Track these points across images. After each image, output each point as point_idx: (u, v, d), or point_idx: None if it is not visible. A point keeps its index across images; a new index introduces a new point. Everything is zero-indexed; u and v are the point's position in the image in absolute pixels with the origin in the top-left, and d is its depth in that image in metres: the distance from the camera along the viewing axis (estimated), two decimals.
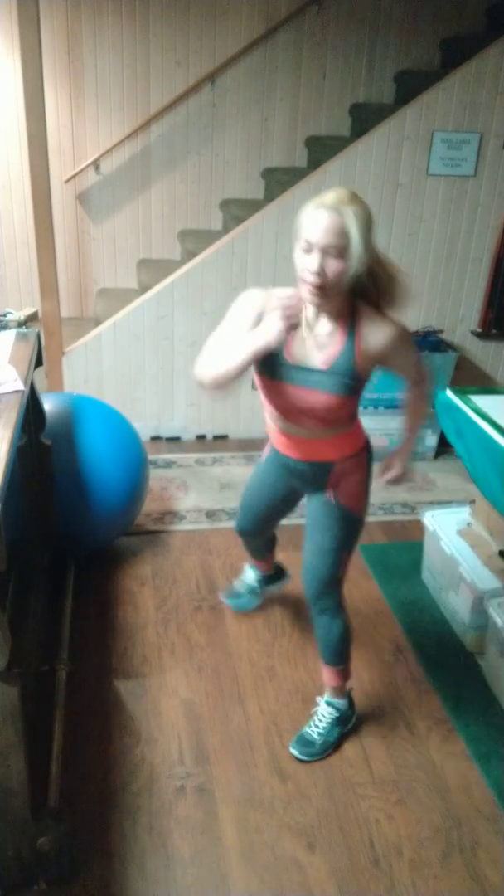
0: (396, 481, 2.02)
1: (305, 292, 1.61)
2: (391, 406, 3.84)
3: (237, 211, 4.24)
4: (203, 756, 2.07)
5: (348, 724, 2.18)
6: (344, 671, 2.12)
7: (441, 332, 3.98)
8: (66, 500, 2.56)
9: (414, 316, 4.00)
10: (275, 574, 2.62)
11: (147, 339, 3.78)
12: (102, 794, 1.93)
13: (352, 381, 1.71)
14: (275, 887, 1.74)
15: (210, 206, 4.70)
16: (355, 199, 1.57)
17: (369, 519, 3.32)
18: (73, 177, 4.57)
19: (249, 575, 2.60)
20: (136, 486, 2.76)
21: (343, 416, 1.80)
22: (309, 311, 1.71)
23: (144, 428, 3.86)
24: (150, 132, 4.52)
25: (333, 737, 2.12)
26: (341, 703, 2.14)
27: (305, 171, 4.16)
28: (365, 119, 4.13)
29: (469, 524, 2.71)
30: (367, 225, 1.56)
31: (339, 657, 2.08)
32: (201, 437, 4.05)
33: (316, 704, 2.18)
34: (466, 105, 3.58)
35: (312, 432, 1.84)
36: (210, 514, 3.28)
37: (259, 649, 2.47)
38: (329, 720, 2.12)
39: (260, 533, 2.36)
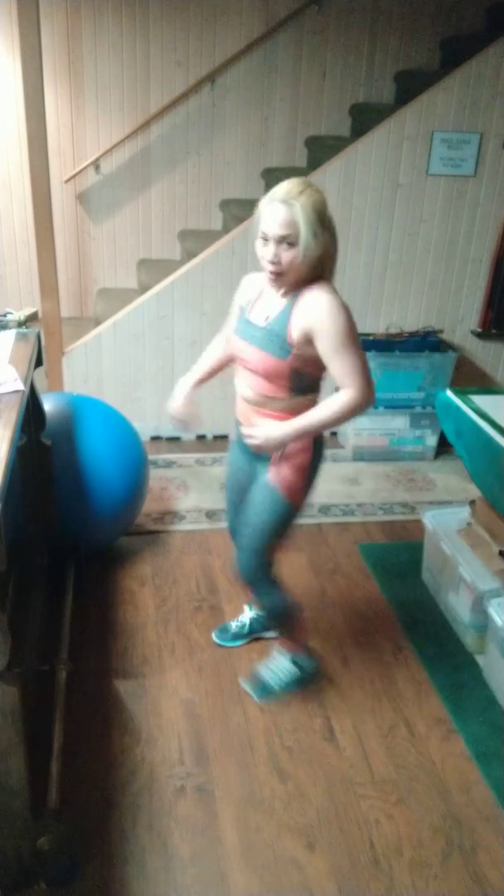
0: (250, 438, 1.93)
1: (267, 277, 1.79)
2: (391, 406, 3.84)
3: (237, 211, 4.24)
4: (203, 756, 2.07)
5: (302, 682, 2.31)
6: (286, 641, 2.27)
7: (441, 332, 3.98)
8: (66, 500, 2.56)
9: (414, 316, 4.01)
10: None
11: (147, 339, 3.78)
12: (102, 794, 1.94)
13: (284, 342, 1.79)
14: (275, 887, 1.74)
15: (210, 206, 4.70)
16: (306, 189, 1.69)
17: (370, 518, 3.33)
18: (73, 177, 4.57)
19: (245, 615, 2.54)
20: (136, 486, 2.76)
21: (281, 383, 1.85)
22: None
23: (144, 428, 3.86)
24: (150, 132, 4.52)
25: (288, 686, 2.28)
26: (303, 662, 2.30)
27: (305, 171, 4.16)
28: (365, 119, 4.12)
29: (469, 524, 2.71)
30: (318, 212, 1.69)
31: (284, 625, 2.23)
32: (201, 437, 4.05)
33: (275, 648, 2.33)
34: (466, 105, 3.58)
35: (259, 397, 1.90)
36: (210, 514, 3.28)
37: (259, 649, 2.47)
38: (285, 671, 2.29)
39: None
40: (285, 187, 1.70)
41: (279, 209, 1.68)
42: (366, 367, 1.80)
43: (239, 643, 2.50)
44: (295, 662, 2.30)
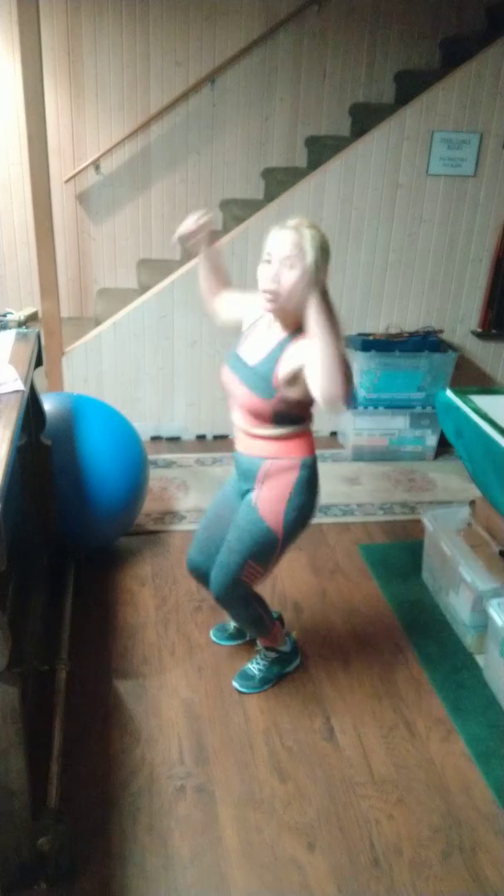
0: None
1: (262, 300, 1.78)
2: (391, 406, 3.84)
3: (237, 211, 4.24)
4: (203, 756, 2.08)
5: (290, 665, 2.38)
6: (268, 639, 2.28)
7: (441, 332, 3.98)
8: (66, 500, 2.56)
9: (414, 316, 4.01)
10: None
11: (147, 339, 3.78)
12: (102, 794, 1.93)
13: (269, 385, 1.82)
14: (275, 887, 1.74)
15: (210, 206, 4.70)
16: (315, 226, 1.75)
17: (370, 518, 3.33)
18: (73, 177, 4.57)
19: None
20: (136, 486, 2.76)
21: (265, 418, 1.88)
22: (270, 318, 1.87)
23: (144, 428, 3.86)
24: (150, 132, 4.52)
25: (273, 674, 2.33)
26: (280, 647, 2.32)
27: (305, 171, 4.16)
28: (365, 119, 4.13)
29: (469, 524, 2.71)
30: (323, 249, 1.73)
31: (258, 632, 2.25)
32: (201, 437, 4.05)
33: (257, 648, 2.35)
34: (466, 105, 3.58)
35: (246, 425, 1.94)
36: None
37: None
38: (268, 660, 2.32)
39: (206, 566, 2.17)
40: (296, 219, 1.76)
41: (288, 234, 1.72)
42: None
43: (236, 642, 2.50)
44: (272, 649, 2.32)
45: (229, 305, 2.06)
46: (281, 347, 1.82)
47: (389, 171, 3.67)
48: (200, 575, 2.23)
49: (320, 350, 1.68)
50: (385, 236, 3.80)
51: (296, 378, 1.78)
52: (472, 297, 4.01)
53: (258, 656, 2.34)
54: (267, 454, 1.94)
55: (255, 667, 2.33)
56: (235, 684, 2.31)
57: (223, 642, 2.50)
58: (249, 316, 1.98)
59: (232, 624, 2.53)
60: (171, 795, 1.95)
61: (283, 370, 1.80)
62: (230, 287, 2.09)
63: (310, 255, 1.70)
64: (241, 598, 2.10)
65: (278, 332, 1.85)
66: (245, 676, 2.32)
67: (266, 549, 2.00)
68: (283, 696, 2.30)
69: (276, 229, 1.76)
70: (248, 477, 2.01)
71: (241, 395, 1.89)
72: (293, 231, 1.72)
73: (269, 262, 1.74)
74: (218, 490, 2.25)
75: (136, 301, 3.75)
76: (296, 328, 1.81)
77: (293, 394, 1.82)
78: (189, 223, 1.96)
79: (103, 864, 1.76)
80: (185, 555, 2.94)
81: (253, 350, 1.89)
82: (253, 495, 1.99)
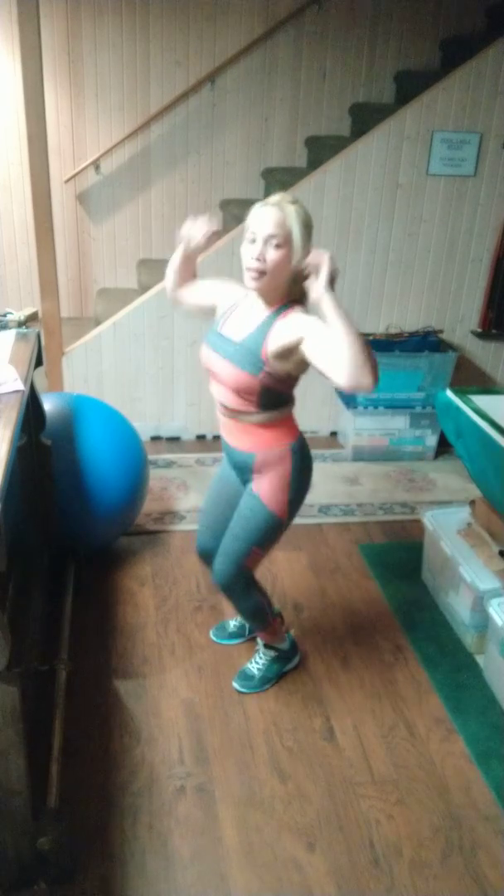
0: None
1: (247, 278, 1.77)
2: (391, 406, 3.84)
3: (237, 211, 4.24)
4: (203, 756, 2.08)
5: (289, 663, 2.38)
6: (268, 632, 2.27)
7: (441, 332, 3.98)
8: (66, 500, 2.56)
9: (414, 316, 4.01)
10: None
11: (147, 339, 3.78)
12: (102, 794, 1.94)
13: (257, 358, 1.80)
14: (275, 887, 1.74)
15: (210, 206, 4.70)
16: (297, 201, 1.76)
17: (370, 518, 3.33)
18: (73, 177, 4.57)
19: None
20: (136, 486, 2.76)
21: (252, 396, 1.85)
22: (252, 296, 1.86)
23: (144, 428, 3.86)
24: (150, 132, 4.52)
25: (273, 672, 2.32)
26: (279, 645, 2.32)
27: (305, 171, 4.16)
28: (365, 119, 4.12)
29: (469, 524, 2.71)
30: (306, 225, 1.74)
31: (258, 625, 2.24)
32: (201, 437, 4.05)
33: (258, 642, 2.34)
34: (466, 105, 3.58)
35: (233, 413, 1.92)
36: None
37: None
38: (267, 659, 2.32)
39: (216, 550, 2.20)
40: (278, 195, 1.76)
41: (271, 211, 1.73)
42: None
43: (236, 641, 2.50)
44: (272, 647, 2.32)
45: (201, 292, 2.05)
46: (269, 322, 1.80)
47: (389, 171, 3.67)
48: (207, 558, 2.25)
49: (346, 343, 1.62)
50: (385, 236, 3.80)
51: (290, 352, 1.76)
52: (472, 297, 4.01)
53: (257, 655, 2.34)
54: (257, 448, 1.93)
55: (254, 666, 2.33)
56: (235, 685, 2.31)
57: (223, 641, 2.50)
58: (225, 301, 1.97)
59: (232, 623, 2.53)
60: (171, 795, 1.95)
61: (273, 343, 1.77)
62: (196, 276, 2.09)
63: (294, 233, 1.72)
64: (244, 585, 2.11)
65: (263, 309, 1.83)
66: (245, 676, 2.32)
67: (271, 534, 2.03)
68: (283, 696, 2.30)
69: (259, 206, 1.77)
70: (242, 469, 2.01)
71: (226, 373, 1.85)
72: (276, 208, 1.72)
73: (253, 241, 1.74)
74: (218, 473, 2.22)
75: (136, 301, 3.75)
76: (281, 304, 1.81)
77: (282, 367, 1.79)
78: (197, 233, 1.94)
79: (103, 864, 1.76)
80: (185, 555, 2.96)
81: (237, 327, 1.87)
82: (254, 486, 1.99)
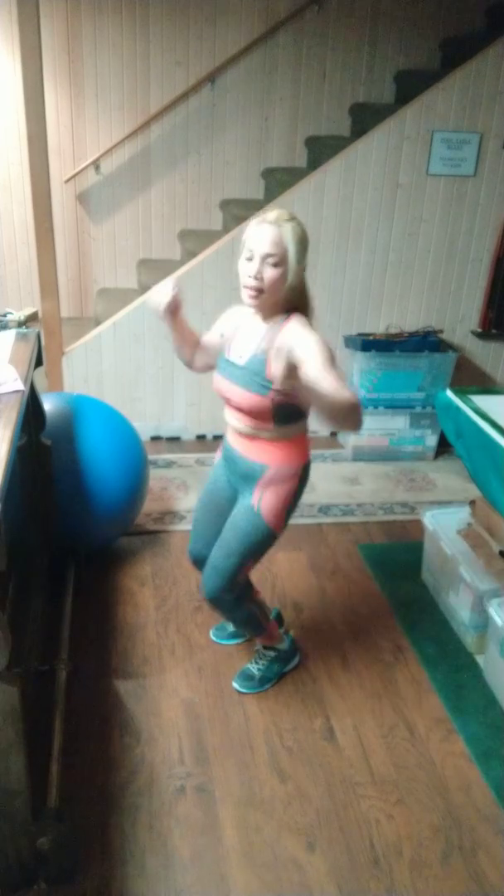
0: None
1: (245, 296, 1.80)
2: (391, 406, 3.84)
3: (237, 211, 4.24)
4: (203, 756, 2.08)
5: (290, 664, 2.38)
6: (265, 636, 2.28)
7: (441, 332, 3.98)
8: (66, 500, 2.56)
9: (414, 316, 4.01)
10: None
11: (147, 339, 3.78)
12: (102, 794, 1.94)
13: (263, 379, 1.82)
14: (275, 887, 1.74)
15: (210, 206, 4.70)
16: (294, 218, 1.78)
17: (370, 518, 3.33)
18: (73, 177, 4.57)
19: None
20: (136, 486, 2.76)
21: (265, 415, 1.87)
22: (250, 314, 1.88)
23: (144, 428, 3.86)
24: (150, 132, 4.52)
25: (273, 672, 2.33)
26: (279, 645, 2.32)
27: (305, 171, 4.16)
28: (365, 119, 4.13)
29: (469, 524, 2.71)
30: (302, 242, 1.77)
31: (253, 631, 2.25)
32: (201, 437, 4.05)
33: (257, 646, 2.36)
34: (466, 105, 3.58)
35: (249, 430, 1.93)
36: None
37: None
38: (267, 659, 2.32)
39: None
40: (275, 212, 1.77)
41: (268, 229, 1.74)
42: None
43: (236, 641, 2.50)
44: (271, 648, 2.33)
45: (209, 350, 2.03)
46: (265, 339, 1.82)
47: (389, 171, 3.67)
48: (200, 563, 2.23)
49: (336, 409, 1.63)
50: (385, 236, 3.80)
51: (292, 371, 1.73)
52: (472, 297, 4.01)
53: (257, 655, 2.34)
54: (270, 461, 1.94)
55: (254, 667, 2.33)
56: (235, 685, 2.31)
57: (223, 641, 2.50)
58: (226, 331, 1.97)
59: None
60: (171, 795, 1.95)
61: (276, 365, 1.76)
62: (198, 338, 2.05)
63: (290, 251, 1.74)
64: (234, 598, 2.11)
65: (259, 325, 1.86)
66: (245, 677, 2.32)
67: (265, 547, 2.05)
68: (283, 696, 2.30)
69: (256, 224, 1.77)
70: (246, 478, 2.01)
71: (237, 398, 1.88)
72: (273, 226, 1.73)
73: (250, 259, 1.75)
74: (209, 480, 2.20)
75: (136, 301, 3.75)
76: (274, 315, 1.84)
77: (289, 384, 1.76)
78: (162, 299, 1.85)
79: (103, 864, 1.76)
80: (185, 555, 2.95)
81: (240, 350, 1.89)
82: (254, 500, 1.98)
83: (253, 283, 1.75)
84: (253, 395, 1.84)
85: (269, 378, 1.81)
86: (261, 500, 1.98)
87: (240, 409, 1.90)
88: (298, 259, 1.76)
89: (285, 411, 1.87)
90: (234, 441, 2.01)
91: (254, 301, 1.79)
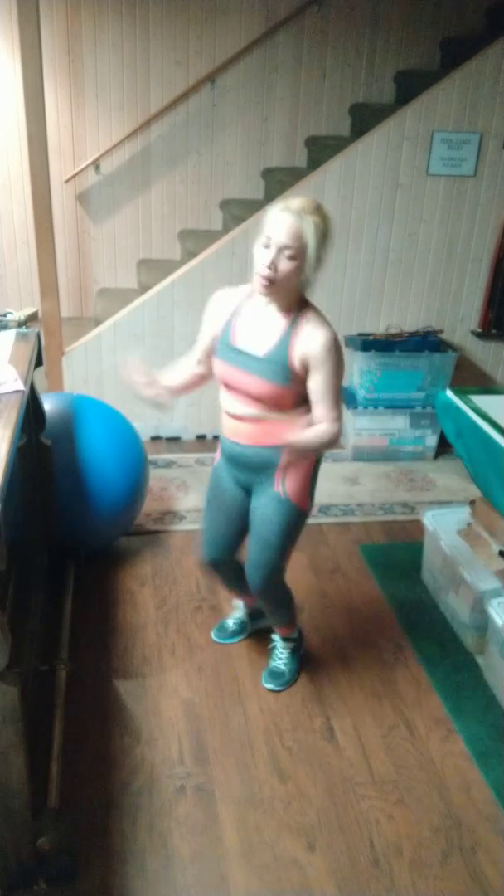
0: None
1: (256, 284, 1.75)
2: (391, 406, 3.84)
3: (237, 211, 4.24)
4: (203, 756, 2.08)
5: (301, 650, 2.42)
6: (291, 623, 2.33)
7: (441, 332, 3.98)
8: (66, 500, 2.56)
9: (414, 316, 4.01)
10: (260, 610, 2.50)
11: (147, 339, 3.78)
12: (102, 794, 1.94)
13: (286, 371, 1.80)
14: (275, 887, 1.74)
15: (210, 206, 4.70)
16: (319, 210, 1.71)
17: (370, 518, 3.33)
18: (73, 177, 4.57)
19: (240, 610, 2.55)
20: (136, 486, 2.76)
21: (286, 403, 1.85)
22: (261, 301, 1.83)
23: (144, 428, 3.86)
24: (150, 132, 4.52)
25: (296, 663, 2.37)
26: (294, 635, 2.37)
27: (305, 171, 4.16)
28: (365, 119, 4.13)
29: (469, 524, 2.71)
30: (324, 237, 1.71)
31: (288, 617, 2.30)
32: (201, 437, 4.05)
33: (271, 642, 2.38)
34: (466, 105, 3.58)
35: (257, 412, 1.89)
36: None
37: (259, 649, 2.47)
38: (288, 651, 2.35)
39: (229, 558, 2.25)
40: (301, 202, 1.70)
41: (290, 220, 1.66)
42: (341, 410, 1.87)
43: (237, 640, 2.50)
44: (288, 639, 2.35)
45: (209, 351, 1.98)
46: (288, 335, 1.79)
47: (389, 171, 3.67)
48: (219, 566, 2.27)
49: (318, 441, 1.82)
50: (385, 236, 3.80)
51: (305, 367, 1.80)
52: (472, 297, 4.01)
53: (277, 652, 2.35)
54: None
55: (280, 663, 2.34)
56: (269, 686, 2.31)
57: (224, 641, 2.50)
58: (221, 318, 1.91)
59: (231, 622, 2.53)
60: (171, 795, 1.95)
61: (298, 360, 1.78)
62: (194, 360, 2.05)
63: (310, 247, 1.68)
64: (281, 584, 2.17)
65: (279, 319, 1.81)
66: (275, 675, 2.33)
67: (300, 528, 2.07)
68: (283, 696, 2.30)
69: (279, 210, 1.69)
70: (260, 469, 1.97)
71: (256, 389, 1.83)
72: (295, 217, 1.66)
73: (266, 246, 1.69)
74: (211, 485, 2.19)
75: (136, 301, 3.75)
76: (295, 306, 1.81)
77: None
78: (135, 378, 1.99)
79: (103, 864, 1.76)
80: (185, 555, 2.96)
81: (256, 340, 1.83)
82: (277, 486, 1.96)
83: (266, 272, 1.69)
84: (274, 386, 1.81)
85: (292, 370, 1.79)
86: (284, 484, 1.96)
87: (252, 397, 1.85)
88: (318, 256, 1.70)
89: (302, 394, 1.85)
90: (238, 436, 1.96)
91: (265, 291, 1.74)
